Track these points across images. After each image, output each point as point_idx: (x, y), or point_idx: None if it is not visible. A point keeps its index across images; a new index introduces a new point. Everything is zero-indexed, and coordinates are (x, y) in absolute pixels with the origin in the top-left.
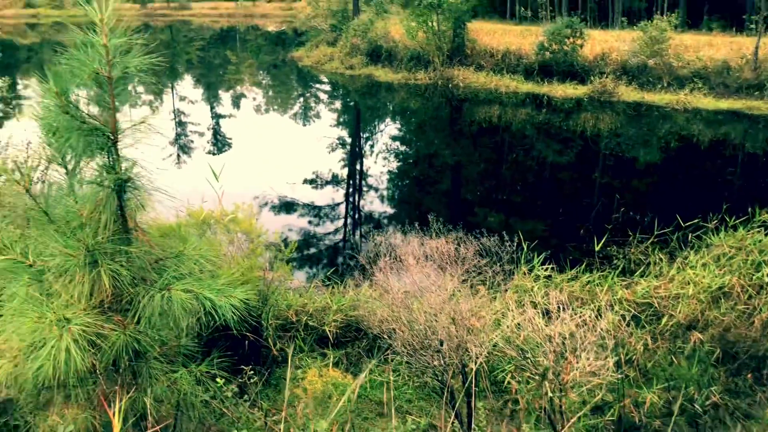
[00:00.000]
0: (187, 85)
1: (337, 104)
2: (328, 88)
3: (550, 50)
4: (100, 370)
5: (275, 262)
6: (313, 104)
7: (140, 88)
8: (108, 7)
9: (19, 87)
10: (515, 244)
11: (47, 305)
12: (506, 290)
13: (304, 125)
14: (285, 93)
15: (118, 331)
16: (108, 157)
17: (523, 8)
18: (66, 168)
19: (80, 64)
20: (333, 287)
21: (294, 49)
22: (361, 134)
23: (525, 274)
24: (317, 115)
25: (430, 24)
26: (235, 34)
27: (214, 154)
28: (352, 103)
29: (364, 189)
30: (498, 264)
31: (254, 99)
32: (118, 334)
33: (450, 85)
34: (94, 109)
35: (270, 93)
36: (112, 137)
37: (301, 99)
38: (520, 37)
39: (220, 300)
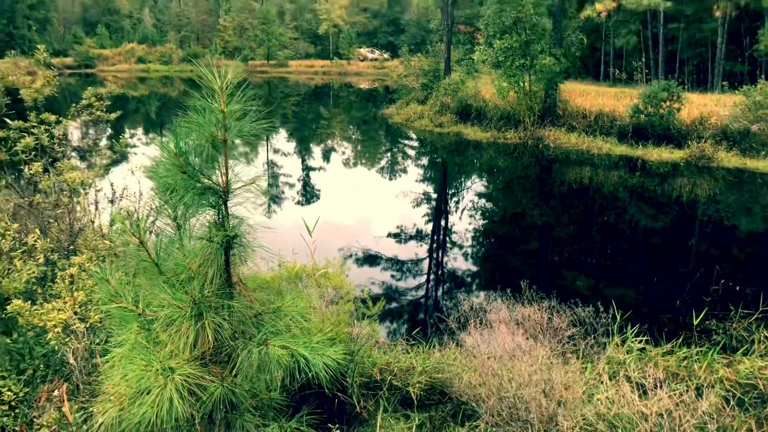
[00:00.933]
0: (281, 138)
1: (424, 160)
2: (416, 144)
3: (645, 113)
4: (197, 420)
5: (362, 319)
6: (400, 159)
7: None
8: (227, 75)
9: (127, 136)
10: (609, 315)
11: (154, 354)
12: (598, 361)
13: (391, 179)
14: (373, 148)
15: (217, 382)
16: (218, 215)
17: (617, 71)
18: (177, 222)
19: (198, 126)
20: (418, 346)
21: (385, 106)
22: (447, 190)
23: (618, 345)
24: (404, 170)
25: (522, 84)
26: (329, 90)
27: (302, 204)
28: (439, 160)
29: (448, 245)
30: (592, 336)
31: (343, 153)
32: (216, 386)
33: (540, 145)
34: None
35: (359, 147)
36: (224, 196)
37: (389, 154)
38: (614, 99)
39: (314, 358)
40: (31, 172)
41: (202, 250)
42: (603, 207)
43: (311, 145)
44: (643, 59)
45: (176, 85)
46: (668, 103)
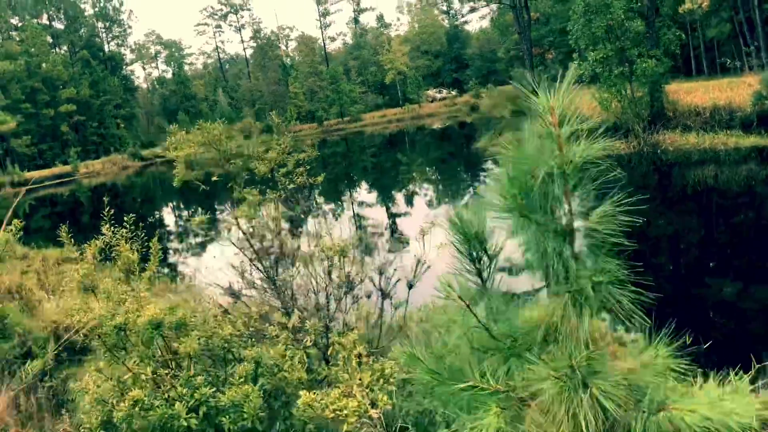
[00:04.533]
0: (363, 191)
1: None
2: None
3: None
4: None
5: None
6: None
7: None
8: (561, 93)
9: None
10: None
11: None
12: None
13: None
14: (455, 184)
15: None
16: (559, 261)
17: (729, 60)
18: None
19: (530, 159)
20: None
21: (478, 139)
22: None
23: None
24: None
25: (624, 92)
26: (404, 136)
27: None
28: None
29: None
30: None
31: (426, 195)
32: None
33: (659, 151)
34: None
35: (440, 186)
36: (569, 240)
37: (471, 188)
38: (726, 91)
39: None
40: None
41: (553, 304)
42: (738, 206)
43: (393, 192)
44: (746, 46)
45: None
46: None
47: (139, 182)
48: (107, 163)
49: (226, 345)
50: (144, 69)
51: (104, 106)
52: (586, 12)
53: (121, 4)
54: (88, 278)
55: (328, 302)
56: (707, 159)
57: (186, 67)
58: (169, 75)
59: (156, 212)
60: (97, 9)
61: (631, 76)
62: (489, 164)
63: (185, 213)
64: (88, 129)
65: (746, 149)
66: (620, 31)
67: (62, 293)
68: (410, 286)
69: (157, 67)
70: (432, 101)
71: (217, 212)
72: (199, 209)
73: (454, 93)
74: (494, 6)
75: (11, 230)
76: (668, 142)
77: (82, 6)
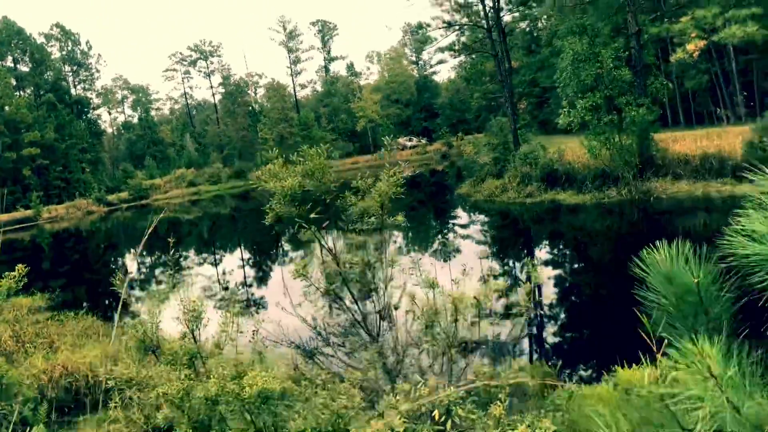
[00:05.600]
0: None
1: (544, 233)
2: (515, 219)
3: (762, 146)
4: None
5: None
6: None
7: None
8: None
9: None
10: None
11: None
12: None
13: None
14: (426, 233)
15: None
16: None
17: (718, 109)
18: None
19: None
20: None
21: (459, 186)
22: (536, 259)
23: None
24: (517, 247)
25: (613, 140)
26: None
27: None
28: (562, 230)
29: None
30: None
31: (395, 242)
32: None
33: (651, 198)
34: None
35: (410, 234)
36: None
37: (440, 236)
38: (715, 140)
39: None
40: None
41: None
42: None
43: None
44: (723, 96)
45: (227, 202)
46: None
47: (104, 228)
48: (71, 207)
49: (338, 420)
50: (110, 113)
51: (69, 150)
52: (575, 60)
53: (90, 48)
54: (149, 339)
55: (451, 365)
56: (701, 207)
57: (153, 112)
58: (135, 120)
59: (119, 258)
60: (64, 53)
61: (620, 124)
62: (459, 212)
63: (150, 258)
64: (52, 173)
65: (741, 196)
66: (608, 80)
67: (49, 346)
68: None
69: (123, 112)
70: (403, 149)
71: (183, 258)
72: (189, 254)
73: (424, 141)
74: (463, 57)
75: None
76: (660, 190)
77: (49, 49)
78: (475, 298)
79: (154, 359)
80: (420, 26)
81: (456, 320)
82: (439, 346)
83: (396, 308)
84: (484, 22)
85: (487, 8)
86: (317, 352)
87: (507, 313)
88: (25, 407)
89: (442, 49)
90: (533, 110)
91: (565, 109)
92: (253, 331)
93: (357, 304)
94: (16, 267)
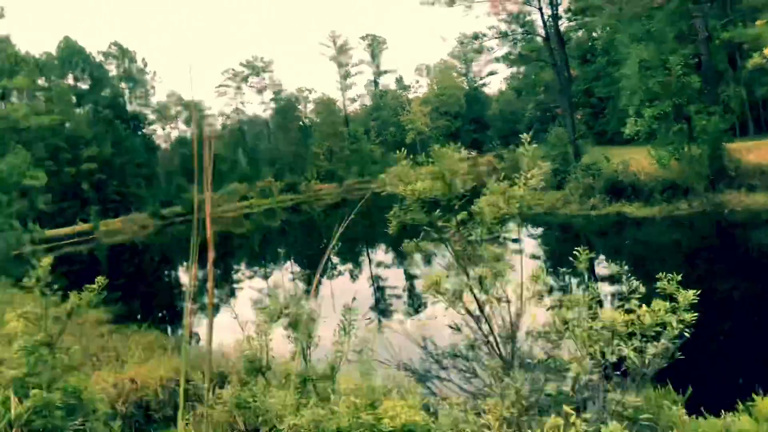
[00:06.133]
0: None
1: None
2: (586, 234)
3: None
4: None
5: None
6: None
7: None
8: None
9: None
10: None
11: None
12: None
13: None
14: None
15: None
16: None
17: None
18: None
19: None
20: None
21: None
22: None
23: None
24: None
25: (682, 150)
26: None
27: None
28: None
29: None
30: None
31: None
32: None
33: (725, 212)
34: None
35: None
36: None
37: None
38: None
39: None
40: None
41: None
42: None
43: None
44: None
45: (278, 215)
46: None
47: (158, 241)
48: (127, 221)
49: None
50: (164, 129)
51: (126, 165)
52: (641, 68)
53: (145, 65)
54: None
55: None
56: None
57: (206, 128)
58: (188, 134)
59: (172, 271)
60: (121, 70)
61: (690, 133)
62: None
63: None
64: (109, 187)
65: None
66: (677, 87)
67: (115, 359)
68: None
69: (176, 127)
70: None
71: (235, 272)
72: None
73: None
74: (515, 68)
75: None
76: (734, 202)
77: (107, 67)
78: (637, 318)
79: (263, 381)
80: (476, 36)
81: (616, 345)
82: (588, 373)
83: (538, 333)
84: (542, 31)
85: (545, 16)
86: (431, 375)
87: (656, 336)
88: (98, 423)
89: (497, 59)
90: (588, 121)
91: (631, 118)
92: (359, 351)
93: (488, 322)
94: (96, 279)
